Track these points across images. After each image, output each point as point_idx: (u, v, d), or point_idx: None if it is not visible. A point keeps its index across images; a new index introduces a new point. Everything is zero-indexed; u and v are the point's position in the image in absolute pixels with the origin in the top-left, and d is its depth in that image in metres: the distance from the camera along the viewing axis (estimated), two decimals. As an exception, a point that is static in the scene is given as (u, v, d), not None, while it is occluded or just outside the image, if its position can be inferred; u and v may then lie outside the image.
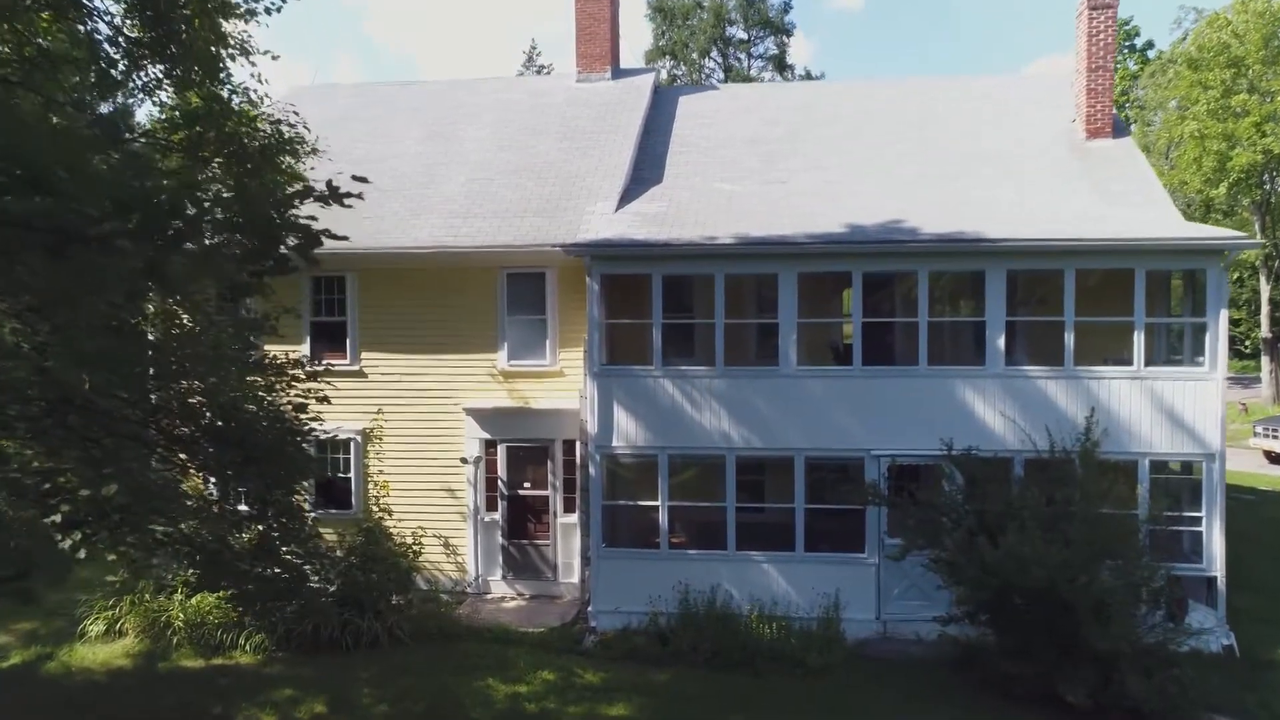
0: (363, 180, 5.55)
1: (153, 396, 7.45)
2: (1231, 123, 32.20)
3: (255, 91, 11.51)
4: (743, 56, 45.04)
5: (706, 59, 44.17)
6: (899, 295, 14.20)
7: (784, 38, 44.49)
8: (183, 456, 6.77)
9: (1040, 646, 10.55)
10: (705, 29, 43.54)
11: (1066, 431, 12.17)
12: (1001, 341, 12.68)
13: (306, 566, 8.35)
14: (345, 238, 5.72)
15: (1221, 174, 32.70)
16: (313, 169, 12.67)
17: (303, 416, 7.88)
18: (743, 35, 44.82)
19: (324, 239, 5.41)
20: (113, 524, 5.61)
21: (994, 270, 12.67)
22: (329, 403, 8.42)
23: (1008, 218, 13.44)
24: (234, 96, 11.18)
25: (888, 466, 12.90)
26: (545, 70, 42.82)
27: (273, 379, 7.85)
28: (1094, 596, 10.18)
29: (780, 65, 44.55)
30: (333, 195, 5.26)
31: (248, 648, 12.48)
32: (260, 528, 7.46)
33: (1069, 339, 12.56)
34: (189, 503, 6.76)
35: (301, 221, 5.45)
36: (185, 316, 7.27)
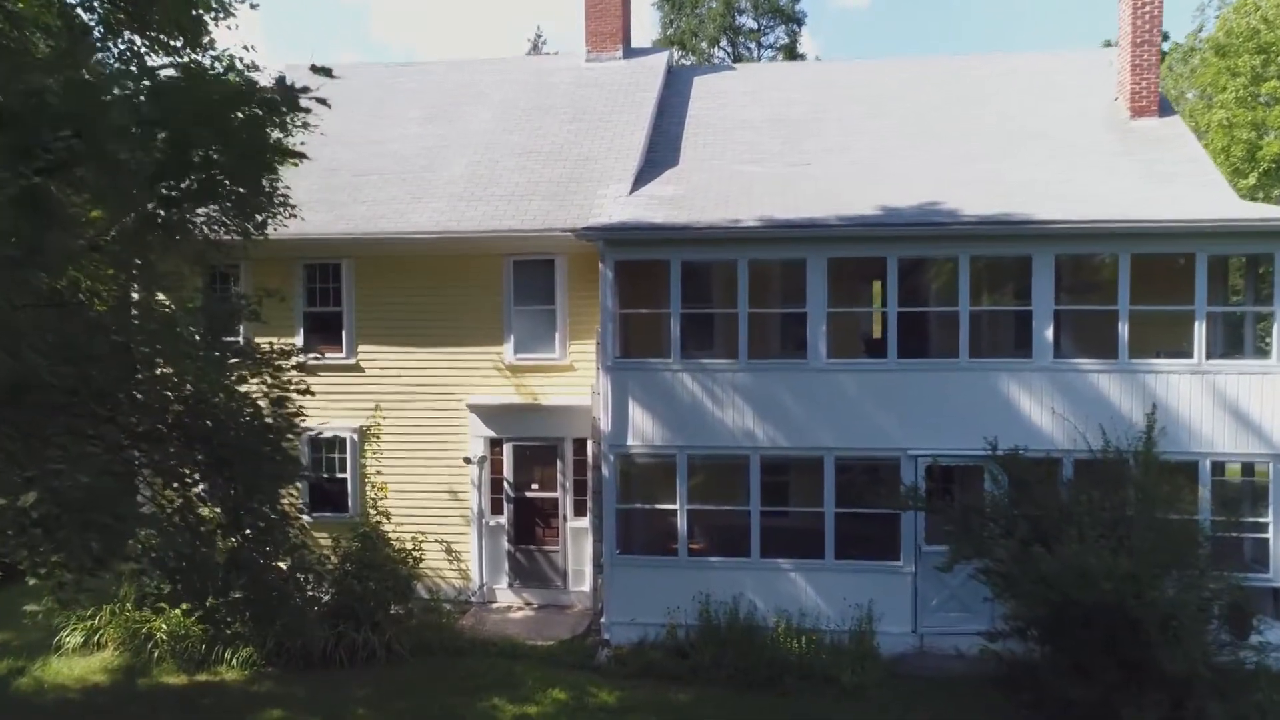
0: (325, 73, 4.36)
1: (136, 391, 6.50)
2: (1261, 111, 31.11)
3: (241, 60, 10.55)
4: (752, 46, 43.96)
5: (715, 48, 43.10)
6: (936, 283, 13.22)
7: (795, 26, 43.45)
8: (138, 455, 5.78)
9: (1101, 667, 9.57)
10: (714, 17, 42.44)
11: (1121, 430, 11.19)
12: (1049, 332, 11.71)
13: (297, 578, 7.38)
14: (301, 154, 4.63)
15: (1251, 164, 31.58)
16: (303, 144, 11.70)
17: (283, 412, 6.88)
18: (753, 24, 43.78)
19: (280, 155, 4.13)
20: (33, 540, 4.66)
21: (1041, 255, 11.69)
22: (311, 395, 7.46)
23: (1053, 199, 12.47)
24: (217, 64, 10.23)
25: (926, 467, 11.93)
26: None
27: (248, 369, 6.86)
28: (1163, 612, 9.21)
29: (791, 55, 43.44)
30: (283, 96, 4.07)
31: (234, 663, 11.56)
32: (234, 540, 6.52)
33: (1123, 329, 11.57)
34: (146, 511, 5.78)
35: (240, 124, 4.19)
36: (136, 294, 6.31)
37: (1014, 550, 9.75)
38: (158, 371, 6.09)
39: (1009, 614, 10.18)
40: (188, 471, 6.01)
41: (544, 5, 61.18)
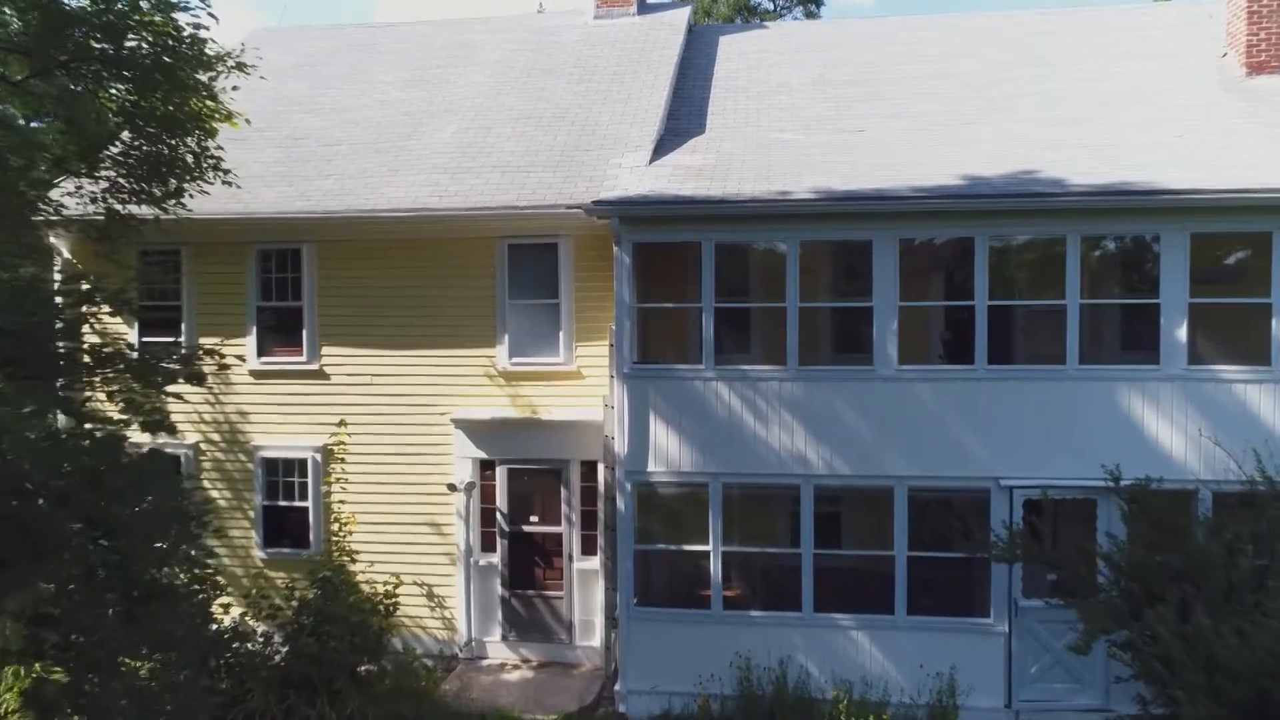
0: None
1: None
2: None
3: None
4: (770, 26, 41.57)
5: (730, 30, 40.79)
6: (1035, 269, 10.78)
7: (814, 7, 41.01)
8: None
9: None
10: (729, -3, 40.10)
11: (1276, 453, 8.84)
12: (1182, 331, 9.32)
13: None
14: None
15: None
16: (237, 90, 9.33)
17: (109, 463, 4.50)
18: (769, 4, 41.36)
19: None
20: None
21: (1172, 234, 9.32)
22: (171, 433, 5.07)
23: (1176, 166, 10.05)
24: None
25: (1023, 501, 9.54)
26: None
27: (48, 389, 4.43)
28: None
29: (809, 38, 41.06)
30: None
31: (156, 746, 9.21)
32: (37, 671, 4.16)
33: (1277, 327, 9.18)
34: None
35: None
36: None
37: (1172, 622, 7.33)
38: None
39: (1184, 711, 7.60)
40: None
41: (548, -9, 59.13)
